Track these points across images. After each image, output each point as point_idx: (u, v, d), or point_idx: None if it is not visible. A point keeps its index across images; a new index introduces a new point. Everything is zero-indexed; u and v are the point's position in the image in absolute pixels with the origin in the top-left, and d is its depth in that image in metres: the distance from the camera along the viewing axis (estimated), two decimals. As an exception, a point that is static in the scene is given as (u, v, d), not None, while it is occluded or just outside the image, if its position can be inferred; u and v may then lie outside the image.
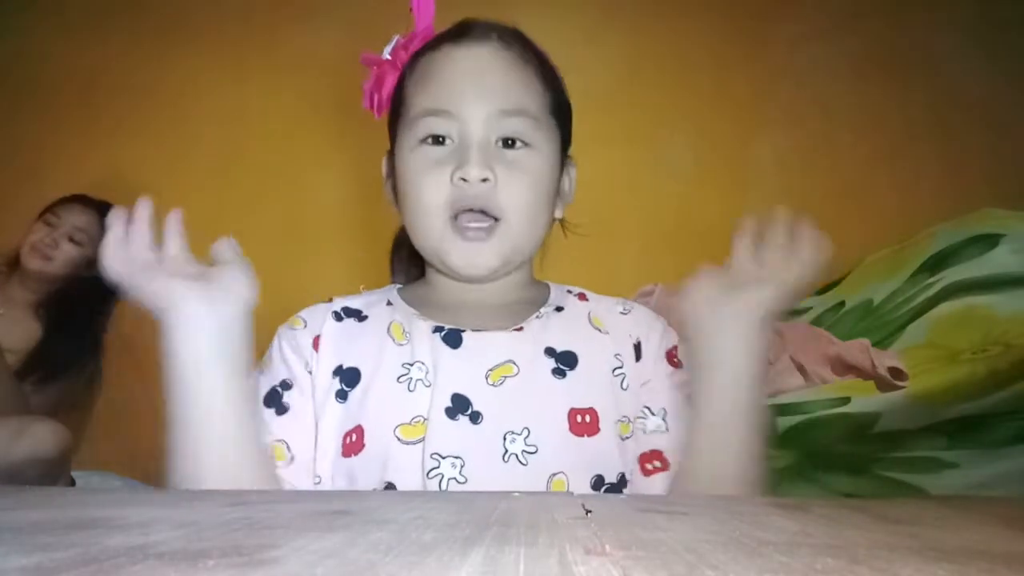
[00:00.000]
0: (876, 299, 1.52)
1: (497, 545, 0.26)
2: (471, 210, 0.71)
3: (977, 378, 1.18)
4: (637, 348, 0.74)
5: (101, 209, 1.91)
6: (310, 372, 0.71)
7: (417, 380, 0.69)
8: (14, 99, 2.16)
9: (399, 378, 0.69)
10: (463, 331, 0.71)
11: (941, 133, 1.90)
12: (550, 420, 0.67)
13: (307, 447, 0.69)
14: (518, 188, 0.72)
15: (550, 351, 0.71)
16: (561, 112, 0.78)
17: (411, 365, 0.70)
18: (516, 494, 0.43)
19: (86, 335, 1.87)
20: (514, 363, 0.70)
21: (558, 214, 0.80)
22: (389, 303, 0.77)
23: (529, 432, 0.66)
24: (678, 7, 2.02)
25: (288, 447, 0.68)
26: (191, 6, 2.15)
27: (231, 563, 0.23)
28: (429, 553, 0.25)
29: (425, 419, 0.66)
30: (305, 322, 0.75)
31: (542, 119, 0.74)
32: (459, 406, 0.68)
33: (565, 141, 0.79)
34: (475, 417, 0.67)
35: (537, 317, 0.74)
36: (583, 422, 0.67)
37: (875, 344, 1.32)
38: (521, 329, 0.73)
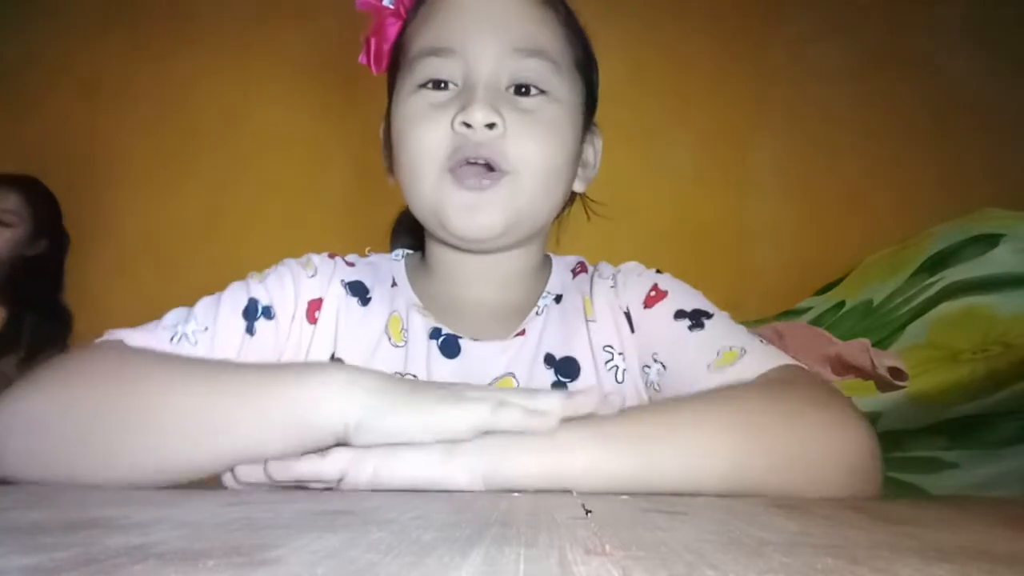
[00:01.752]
0: (876, 299, 1.52)
1: (497, 545, 0.26)
2: (473, 163, 0.61)
3: (977, 378, 1.18)
4: (628, 318, 0.66)
5: (21, 185, 1.90)
6: (293, 317, 0.63)
7: None
8: (14, 99, 2.17)
9: None
10: (460, 338, 0.64)
11: (941, 133, 1.90)
12: None
13: None
14: (531, 140, 0.62)
15: (549, 359, 0.64)
16: (586, 69, 0.68)
17: (403, 376, 0.62)
18: (516, 494, 0.43)
19: (57, 308, 1.90)
20: (513, 376, 0.63)
21: (579, 187, 0.70)
22: (394, 283, 0.69)
23: None
24: (678, 8, 2.02)
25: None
26: (191, 5, 2.16)
27: (231, 563, 0.23)
28: (429, 553, 0.25)
29: None
30: (316, 270, 0.66)
31: (563, 65, 0.64)
32: None
33: (590, 104, 0.69)
34: None
35: (537, 314, 0.67)
36: None
37: (875, 344, 1.32)
38: (523, 333, 0.65)
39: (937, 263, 1.46)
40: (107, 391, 0.48)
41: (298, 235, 2.03)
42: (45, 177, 2.02)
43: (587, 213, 0.75)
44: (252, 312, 0.62)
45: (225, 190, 2.11)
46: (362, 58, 0.72)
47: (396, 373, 0.62)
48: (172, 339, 0.58)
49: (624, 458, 0.46)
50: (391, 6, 0.70)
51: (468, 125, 0.60)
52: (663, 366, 0.62)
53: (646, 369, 0.64)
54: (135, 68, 2.15)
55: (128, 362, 0.52)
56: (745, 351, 0.59)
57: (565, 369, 0.64)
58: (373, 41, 0.71)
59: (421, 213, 0.66)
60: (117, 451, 0.47)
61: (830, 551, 0.27)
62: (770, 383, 0.56)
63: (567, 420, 0.46)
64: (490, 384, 0.62)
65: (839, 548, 0.28)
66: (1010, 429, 1.18)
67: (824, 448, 0.50)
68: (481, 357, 0.63)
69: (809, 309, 1.63)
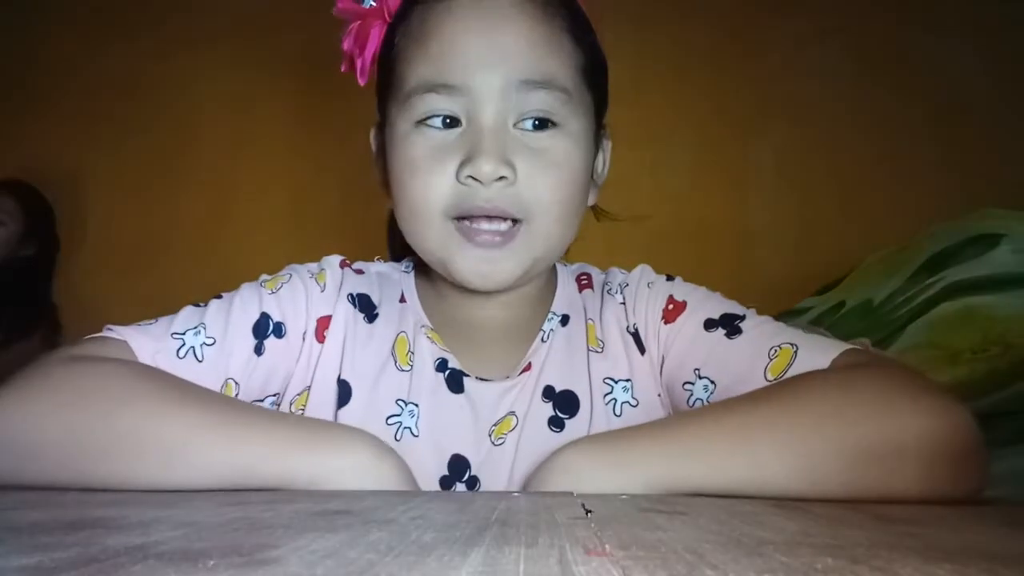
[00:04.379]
0: (876, 299, 1.52)
1: (497, 545, 0.26)
2: (483, 217, 0.57)
3: (977, 378, 1.18)
4: (636, 338, 0.64)
5: (15, 188, 1.96)
6: (303, 336, 0.62)
7: (406, 427, 0.59)
8: (13, 99, 2.17)
9: (389, 419, 0.59)
10: (467, 376, 0.61)
11: (941, 133, 1.90)
12: None
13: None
14: (545, 184, 0.57)
15: (548, 392, 0.61)
16: (595, 73, 0.63)
17: (406, 405, 0.60)
18: (516, 494, 0.43)
19: (39, 302, 1.97)
20: (515, 415, 0.60)
21: (591, 201, 0.67)
22: (403, 298, 0.67)
23: None
24: (679, 7, 2.02)
25: (237, 390, 0.58)
26: (191, 6, 2.16)
27: (231, 563, 0.23)
28: (429, 553, 0.25)
29: None
30: (326, 284, 0.64)
31: (574, 91, 0.59)
32: (457, 472, 0.58)
33: (599, 109, 0.65)
34: (472, 483, 0.58)
35: (543, 340, 0.64)
36: None
37: (875, 344, 1.32)
38: (529, 368, 0.62)
39: (937, 263, 1.45)
40: (116, 431, 0.46)
41: (298, 235, 2.03)
42: (43, 176, 2.03)
43: (596, 216, 0.72)
44: (263, 329, 0.60)
45: (224, 190, 2.11)
46: (344, 67, 0.67)
47: (399, 400, 0.60)
48: (179, 352, 0.56)
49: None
50: (374, 3, 0.64)
51: (475, 179, 0.56)
52: (711, 382, 0.59)
53: (687, 387, 0.60)
54: (134, 69, 2.15)
55: (139, 394, 0.49)
56: (797, 347, 0.55)
57: (563, 403, 0.61)
58: (356, 50, 0.65)
59: (426, 258, 0.62)
60: (118, 482, 0.46)
61: (830, 551, 0.27)
62: (846, 369, 0.52)
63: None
64: (492, 427, 0.60)
65: (839, 548, 0.27)
66: (1010, 429, 1.18)
67: (917, 439, 0.45)
68: (486, 397, 0.61)
69: (809, 309, 1.63)
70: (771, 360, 0.55)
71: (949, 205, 1.61)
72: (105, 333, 0.55)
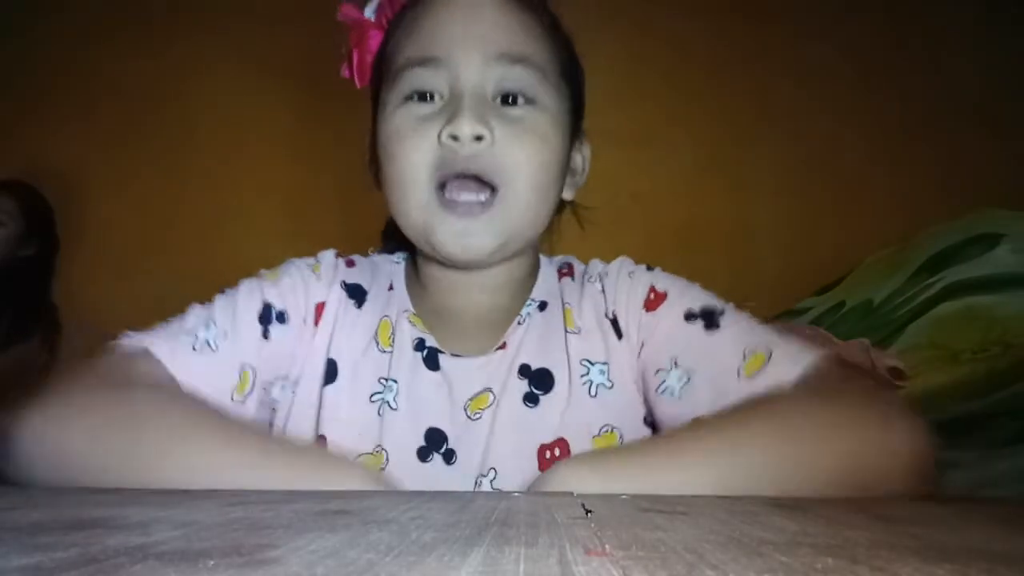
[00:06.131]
0: (876, 299, 1.52)
1: (497, 545, 0.26)
2: (462, 176, 0.61)
3: (977, 378, 1.18)
4: (615, 324, 0.65)
5: (15, 189, 1.97)
6: (304, 321, 0.66)
7: (386, 402, 0.62)
8: (12, 99, 2.17)
9: (372, 396, 0.63)
10: (442, 353, 0.64)
11: (941, 133, 1.90)
12: (518, 459, 0.60)
13: (258, 389, 0.63)
14: (521, 150, 0.61)
15: (524, 370, 0.64)
16: (572, 75, 0.67)
17: (386, 382, 0.63)
18: (516, 494, 0.43)
19: (38, 304, 1.97)
20: (491, 391, 0.63)
21: (568, 195, 0.70)
22: (391, 287, 0.70)
23: (496, 474, 0.60)
24: (677, 8, 2.02)
25: (254, 375, 0.62)
26: (190, 5, 2.16)
27: (231, 563, 0.23)
28: (429, 553, 0.25)
29: (384, 449, 0.60)
30: (321, 273, 0.68)
31: (549, 73, 0.64)
32: (433, 443, 0.61)
33: (577, 110, 0.69)
34: (449, 456, 0.61)
35: (519, 323, 0.66)
36: (552, 457, 0.60)
37: (875, 344, 1.32)
38: (504, 346, 0.65)
39: (937, 263, 1.45)
40: (145, 451, 0.49)
41: (296, 235, 2.03)
42: (43, 176, 2.03)
43: (580, 223, 0.74)
44: (267, 318, 0.64)
45: (224, 191, 2.11)
46: (344, 71, 0.71)
47: (381, 379, 0.64)
48: (194, 347, 0.60)
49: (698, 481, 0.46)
50: (372, 17, 0.69)
51: (455, 138, 0.59)
52: (686, 374, 0.60)
53: (660, 373, 0.62)
54: (135, 69, 2.15)
55: (175, 414, 0.52)
56: (771, 351, 0.57)
57: (539, 381, 0.63)
58: (356, 54, 0.69)
59: (410, 232, 0.65)
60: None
61: (830, 551, 0.27)
62: (812, 387, 0.54)
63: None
64: (467, 402, 0.62)
65: (839, 548, 0.27)
66: (1010, 429, 1.18)
67: (882, 452, 0.48)
68: (461, 373, 0.64)
69: (809, 309, 1.63)
70: (744, 360, 0.58)
71: (949, 205, 1.61)
72: (123, 340, 0.59)
